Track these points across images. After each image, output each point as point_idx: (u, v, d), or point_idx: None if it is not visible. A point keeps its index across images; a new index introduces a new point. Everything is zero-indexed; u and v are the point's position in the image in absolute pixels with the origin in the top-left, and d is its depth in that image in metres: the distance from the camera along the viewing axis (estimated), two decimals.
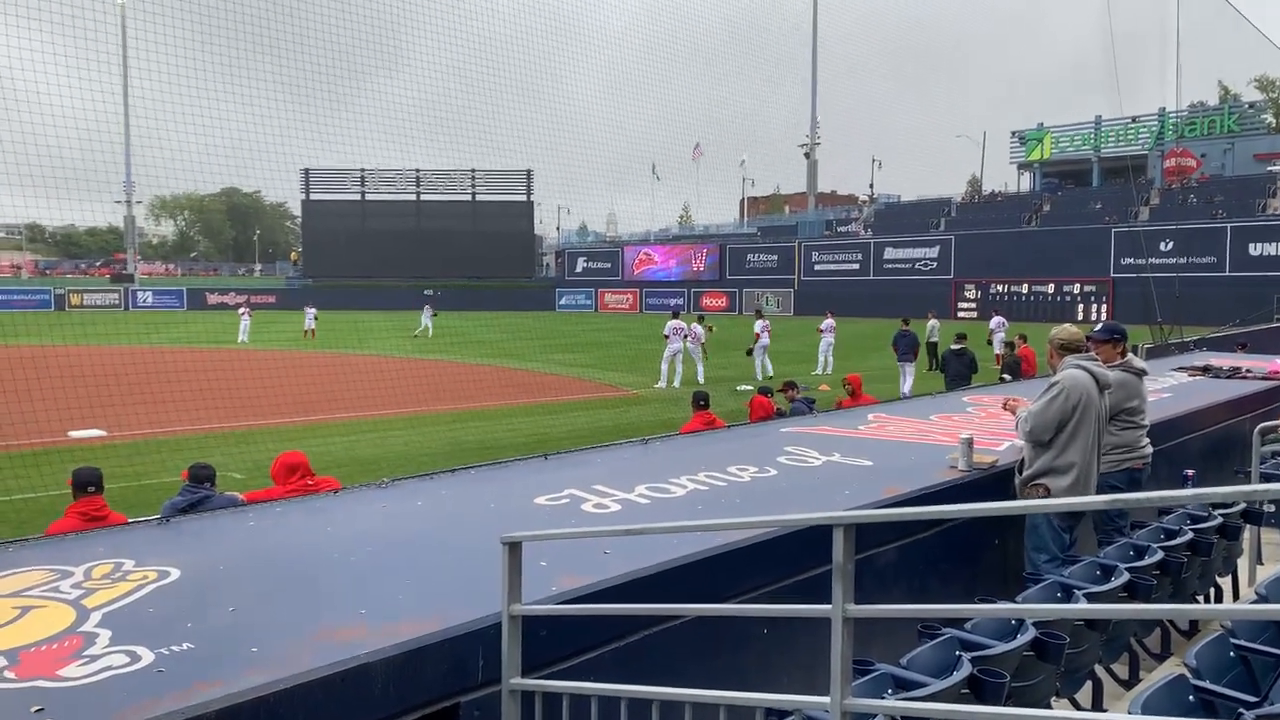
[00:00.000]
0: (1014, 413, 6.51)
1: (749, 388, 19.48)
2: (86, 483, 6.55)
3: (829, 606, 2.83)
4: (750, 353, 25.43)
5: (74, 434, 15.54)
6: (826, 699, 2.84)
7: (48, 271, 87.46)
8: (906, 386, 21.49)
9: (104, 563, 4.41)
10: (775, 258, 65.64)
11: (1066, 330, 6.53)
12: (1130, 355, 7.19)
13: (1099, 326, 7.40)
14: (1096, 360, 6.42)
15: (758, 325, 25.82)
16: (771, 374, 24.01)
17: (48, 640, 3.48)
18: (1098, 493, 6.28)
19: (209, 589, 4.11)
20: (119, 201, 71.24)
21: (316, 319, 41.30)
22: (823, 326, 27.39)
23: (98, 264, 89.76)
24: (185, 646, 3.44)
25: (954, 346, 19.01)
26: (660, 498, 5.74)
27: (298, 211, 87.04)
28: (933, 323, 28.12)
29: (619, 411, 19.43)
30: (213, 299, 68.82)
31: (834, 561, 2.83)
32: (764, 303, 60.17)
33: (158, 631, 3.56)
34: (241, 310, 42.21)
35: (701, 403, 10.83)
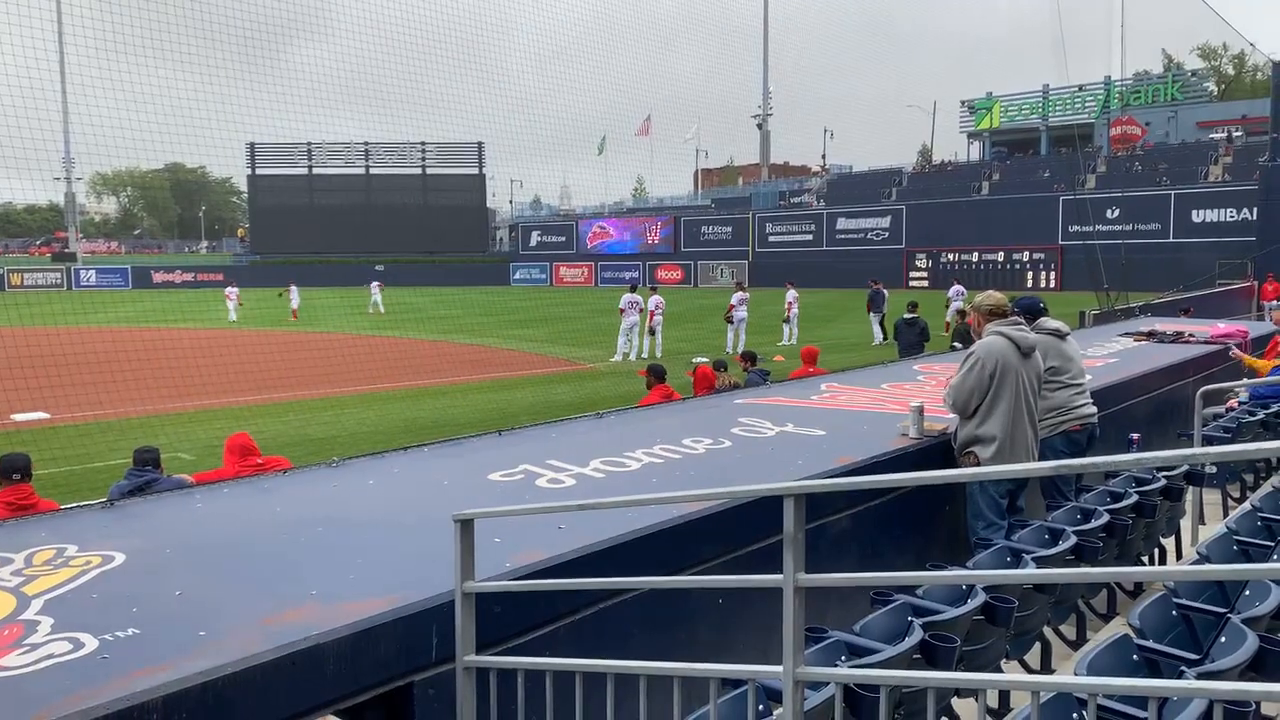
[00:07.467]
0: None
1: (704, 359, 19.51)
2: (12, 469, 6.24)
3: (780, 576, 2.84)
4: (730, 319, 25.38)
5: (17, 417, 15.19)
6: (779, 668, 2.85)
7: None
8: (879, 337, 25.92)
9: (46, 548, 4.31)
10: (729, 229, 65.66)
11: (991, 297, 6.49)
12: (1042, 318, 7.19)
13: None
14: (1020, 325, 6.36)
15: (735, 297, 25.82)
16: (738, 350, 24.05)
17: None
18: (1042, 457, 6.38)
19: (155, 573, 4.03)
20: (58, 178, 69.20)
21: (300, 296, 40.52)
22: (789, 298, 27.67)
23: (38, 243, 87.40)
24: (130, 632, 3.37)
25: (906, 316, 19.09)
26: (615, 471, 5.73)
27: (244, 187, 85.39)
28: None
29: (575, 386, 19.40)
30: (158, 277, 67.38)
31: (785, 531, 2.84)
32: (719, 275, 60.27)
33: (102, 618, 3.48)
34: (227, 291, 41.47)
35: (656, 377, 10.83)
